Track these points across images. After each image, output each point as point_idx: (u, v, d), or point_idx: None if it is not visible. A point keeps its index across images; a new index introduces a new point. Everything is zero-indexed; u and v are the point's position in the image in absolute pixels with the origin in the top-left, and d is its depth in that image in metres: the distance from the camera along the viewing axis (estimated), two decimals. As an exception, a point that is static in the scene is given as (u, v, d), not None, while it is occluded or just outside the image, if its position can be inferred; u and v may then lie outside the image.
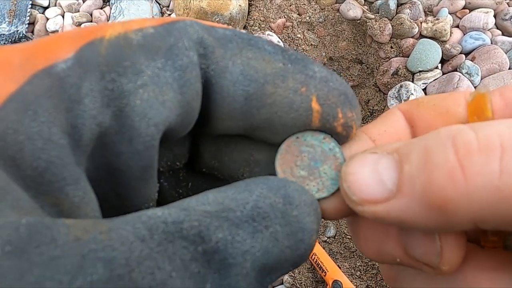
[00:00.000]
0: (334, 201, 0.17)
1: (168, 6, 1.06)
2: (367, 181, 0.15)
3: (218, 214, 0.13)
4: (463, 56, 0.86)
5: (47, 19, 1.07)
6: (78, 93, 0.14)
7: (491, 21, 0.88)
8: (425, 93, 0.88)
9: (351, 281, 0.72)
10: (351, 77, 1.03)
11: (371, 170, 0.15)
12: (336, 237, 0.79)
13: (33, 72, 0.13)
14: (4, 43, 0.99)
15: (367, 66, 1.00)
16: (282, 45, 0.94)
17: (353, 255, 0.77)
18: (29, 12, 1.04)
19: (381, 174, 0.15)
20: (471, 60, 0.85)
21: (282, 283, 0.75)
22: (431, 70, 0.88)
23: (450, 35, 0.90)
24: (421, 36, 0.91)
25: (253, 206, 0.14)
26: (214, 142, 0.19)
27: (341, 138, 0.17)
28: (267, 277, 0.14)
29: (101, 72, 0.14)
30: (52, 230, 0.11)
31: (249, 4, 0.97)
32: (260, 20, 0.97)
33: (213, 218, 0.13)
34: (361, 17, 0.95)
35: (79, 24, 1.06)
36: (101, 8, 1.09)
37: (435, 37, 0.89)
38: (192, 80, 0.15)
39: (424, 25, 0.90)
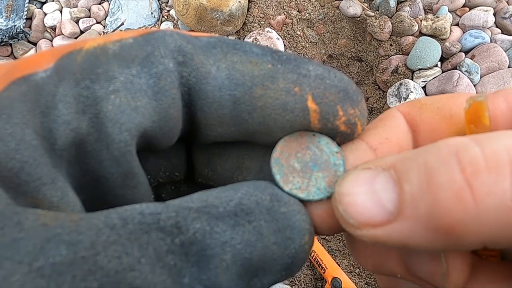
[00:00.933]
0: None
1: (167, 2, 1.06)
2: (364, 203, 0.14)
3: (199, 209, 0.13)
4: (463, 54, 0.87)
5: (45, 14, 1.07)
6: (53, 100, 0.14)
7: (491, 19, 0.88)
8: (425, 91, 0.88)
9: (350, 279, 0.72)
10: (351, 75, 1.03)
11: (367, 190, 0.14)
12: (335, 235, 0.79)
13: (12, 80, 0.14)
14: (1, 38, 0.98)
15: (367, 63, 1.00)
16: (282, 42, 0.94)
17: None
18: (26, 7, 1.03)
19: (379, 195, 0.14)
20: (471, 59, 0.85)
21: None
22: (430, 68, 0.88)
23: (450, 33, 0.90)
24: (421, 34, 0.91)
25: (237, 203, 0.14)
26: (205, 151, 0.19)
27: (346, 136, 0.16)
28: (255, 278, 0.14)
29: (75, 79, 0.14)
30: (20, 215, 0.11)
31: (248, 0, 0.97)
32: (260, 17, 0.96)
33: (191, 210, 0.13)
34: (361, 14, 0.94)
35: (77, 20, 1.05)
36: (100, 4, 1.08)
37: (435, 35, 0.89)
38: (167, 87, 0.15)
39: (424, 23, 0.90)
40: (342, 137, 0.16)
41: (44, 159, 0.13)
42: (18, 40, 1.02)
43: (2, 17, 1.01)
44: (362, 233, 0.14)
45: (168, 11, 1.05)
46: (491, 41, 0.87)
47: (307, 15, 0.97)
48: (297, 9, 0.98)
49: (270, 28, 0.96)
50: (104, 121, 0.14)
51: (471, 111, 0.15)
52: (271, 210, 0.14)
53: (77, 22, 1.06)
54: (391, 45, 0.93)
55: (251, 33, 0.96)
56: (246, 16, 0.97)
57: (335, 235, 0.79)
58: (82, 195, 0.15)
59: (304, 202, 0.16)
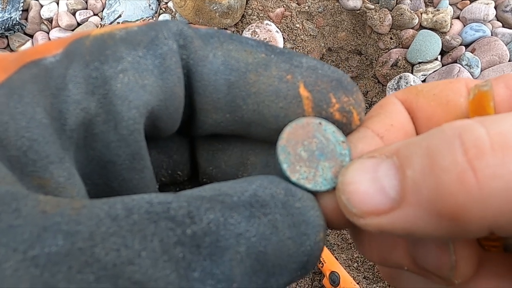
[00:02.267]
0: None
1: (165, -6, 1.05)
2: (367, 191, 0.13)
3: (212, 198, 0.13)
4: (463, 47, 0.86)
5: (42, 6, 1.05)
6: (63, 81, 0.14)
7: (492, 12, 0.87)
8: (424, 85, 0.87)
9: (348, 273, 0.72)
10: (350, 68, 1.02)
11: (370, 178, 0.13)
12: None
13: (22, 64, 0.14)
14: (-3, 30, 0.97)
15: (366, 57, 0.99)
16: (281, 35, 0.93)
17: (350, 246, 0.77)
18: (22, -2, 1.02)
19: (382, 182, 0.13)
20: (471, 52, 0.85)
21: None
22: (430, 61, 0.87)
23: (450, 27, 0.89)
24: (421, 27, 0.91)
25: (252, 194, 0.13)
26: (208, 147, 0.19)
27: (342, 126, 0.16)
28: (272, 278, 0.13)
29: (84, 61, 0.14)
30: (19, 202, 0.11)
31: (247, -8, 0.96)
32: (259, 10, 0.95)
33: (204, 200, 0.13)
34: (360, 7, 0.94)
35: (74, 12, 1.04)
36: (97, -4, 1.07)
37: (435, 28, 0.89)
38: (172, 66, 0.15)
39: (424, 16, 0.89)
40: (340, 127, 0.16)
41: (53, 138, 0.13)
42: (14, 32, 1.01)
43: (-2, 9, 1.00)
44: (365, 222, 0.13)
45: (166, 3, 1.04)
46: (491, 35, 0.86)
47: (307, 7, 0.96)
48: (296, 2, 0.97)
49: (269, 20, 0.95)
50: (113, 100, 0.14)
51: (475, 101, 0.15)
52: (286, 204, 0.14)
53: (74, 14, 1.05)
54: (391, 38, 0.92)
55: (250, 26, 0.95)
56: (245, 9, 0.96)
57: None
58: (87, 184, 0.15)
59: (311, 192, 0.15)
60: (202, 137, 0.19)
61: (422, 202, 0.12)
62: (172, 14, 1.02)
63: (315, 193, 0.15)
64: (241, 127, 0.16)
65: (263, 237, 0.13)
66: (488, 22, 0.88)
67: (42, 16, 1.04)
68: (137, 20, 1.03)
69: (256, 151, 0.18)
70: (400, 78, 0.87)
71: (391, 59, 0.91)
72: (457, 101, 0.16)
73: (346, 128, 0.16)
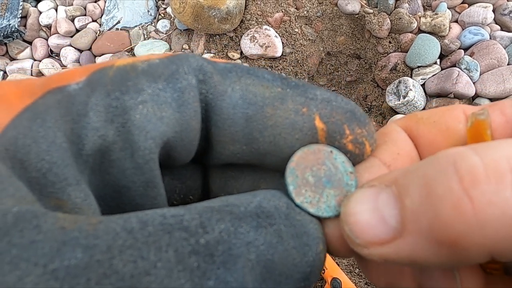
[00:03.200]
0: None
1: (164, 0, 1.05)
2: (368, 221, 0.14)
3: (220, 209, 0.13)
4: (462, 51, 0.86)
5: (40, 12, 1.05)
6: (85, 108, 0.15)
7: (490, 16, 0.87)
8: (424, 89, 0.87)
9: (350, 279, 0.72)
10: (349, 72, 1.02)
11: (371, 208, 0.14)
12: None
13: (48, 90, 0.15)
14: (-4, 37, 0.97)
15: (365, 61, 0.99)
16: (280, 39, 0.93)
17: (351, 252, 0.77)
18: (21, 5, 1.02)
19: (382, 212, 0.13)
20: (470, 56, 0.85)
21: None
22: (429, 65, 0.87)
23: (449, 30, 0.89)
24: (420, 31, 0.91)
25: (257, 205, 0.14)
26: (221, 175, 0.19)
27: (354, 156, 0.17)
28: (277, 283, 0.14)
29: (106, 90, 0.15)
30: (39, 219, 0.12)
31: (246, -2, 0.96)
32: (258, 15, 0.95)
33: (214, 212, 0.13)
34: (359, 11, 0.94)
35: (73, 18, 1.04)
36: (95, 2, 1.07)
37: (434, 32, 0.89)
38: (190, 100, 0.16)
39: (423, 19, 0.89)
40: (352, 158, 0.17)
41: (71, 162, 0.14)
42: (13, 39, 1.01)
43: (-4, 16, 0.99)
44: (370, 252, 0.14)
45: (165, 9, 1.04)
46: (490, 38, 0.87)
47: (305, 12, 0.96)
48: (295, 6, 0.97)
49: (268, 25, 0.95)
50: (131, 129, 0.15)
51: (473, 128, 0.15)
52: (288, 216, 0.14)
53: (72, 20, 1.05)
54: (390, 42, 0.92)
55: (248, 31, 0.95)
56: (244, 14, 0.96)
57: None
58: (101, 206, 0.16)
59: (313, 217, 0.16)
60: (216, 165, 0.19)
61: (421, 231, 0.12)
62: (171, 20, 1.02)
63: (317, 219, 0.16)
64: (256, 158, 0.17)
65: (270, 246, 0.13)
66: (487, 25, 0.88)
67: (41, 23, 1.04)
68: (135, 27, 1.03)
69: (267, 179, 0.19)
70: (400, 82, 0.87)
71: (390, 63, 0.91)
72: (456, 127, 0.17)
73: (358, 159, 0.17)
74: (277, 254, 0.13)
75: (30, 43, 1.05)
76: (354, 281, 0.73)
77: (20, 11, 1.01)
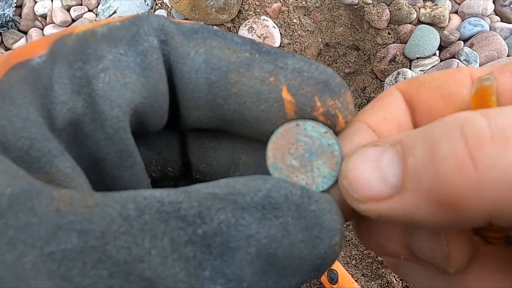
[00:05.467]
0: None
1: (161, -10, 1.03)
2: (368, 178, 0.14)
3: (224, 197, 0.13)
4: (462, 42, 0.85)
5: (35, 2, 1.04)
6: (50, 82, 0.14)
7: (490, 7, 0.86)
8: (423, 80, 0.87)
9: (347, 270, 0.72)
10: (348, 64, 1.02)
11: (373, 166, 0.14)
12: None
13: (10, 66, 0.14)
14: (-9, 27, 0.96)
15: (364, 52, 0.98)
16: (278, 30, 0.92)
17: (348, 243, 0.77)
18: (16, -6, 1.01)
19: (384, 170, 0.13)
20: (470, 47, 0.84)
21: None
22: (429, 57, 0.86)
23: (449, 21, 0.88)
24: (419, 22, 0.90)
25: (265, 195, 0.13)
26: (199, 146, 0.19)
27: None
28: (283, 279, 0.13)
29: (68, 61, 0.15)
30: (34, 201, 0.11)
31: (244, -13, 0.95)
32: (255, 5, 0.94)
33: (216, 200, 0.13)
34: (358, 2, 0.93)
35: (69, 8, 1.03)
36: (91, -9, 1.06)
37: (434, 23, 0.88)
38: (154, 63, 0.15)
39: (422, 10, 0.89)
40: None
41: (50, 135, 0.14)
42: (8, 29, 1.00)
43: (-9, 5, 0.98)
44: (366, 207, 0.14)
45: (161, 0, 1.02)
46: (490, 29, 0.86)
47: (304, 2, 0.95)
48: (294, -3, 0.96)
49: (266, 16, 0.94)
50: (96, 99, 0.14)
51: (477, 95, 0.15)
52: (300, 206, 0.13)
53: (68, 10, 1.04)
54: (389, 33, 0.92)
55: (246, 21, 0.94)
56: (242, 4, 0.95)
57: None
58: None
59: None
60: (193, 134, 0.19)
61: (421, 189, 0.12)
62: (168, 9, 1.01)
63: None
64: (224, 124, 0.16)
65: (273, 240, 0.13)
66: (487, 16, 0.88)
67: (36, 13, 1.03)
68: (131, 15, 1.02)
69: (248, 150, 0.18)
70: (398, 73, 0.87)
71: (389, 55, 0.90)
72: (459, 93, 0.16)
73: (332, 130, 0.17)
74: (281, 248, 0.13)
75: (25, 33, 1.04)
76: (350, 272, 0.73)
77: (15, 0, 1.00)
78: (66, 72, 0.14)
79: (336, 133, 0.16)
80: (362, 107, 0.96)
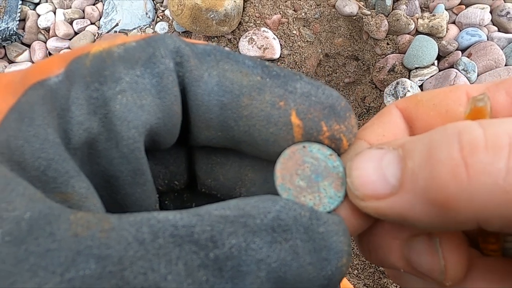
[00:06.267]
0: None
1: (162, 2, 1.05)
2: (370, 177, 0.15)
3: (235, 219, 0.13)
4: (460, 52, 0.86)
5: (39, 15, 1.06)
6: (67, 102, 0.15)
7: (487, 17, 0.87)
8: (422, 90, 0.88)
9: (349, 280, 0.72)
10: (347, 74, 1.02)
11: (375, 166, 0.15)
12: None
13: (29, 86, 0.15)
14: (-5, 40, 0.97)
15: (363, 62, 0.99)
16: (278, 41, 0.93)
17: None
18: (19, 8, 1.02)
19: (385, 170, 0.14)
20: (468, 57, 0.85)
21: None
22: (427, 66, 0.87)
23: (447, 32, 0.89)
24: (418, 32, 0.91)
25: (275, 217, 0.13)
26: (206, 161, 0.19)
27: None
28: None
29: (85, 82, 0.15)
30: (52, 226, 0.12)
31: (244, 0, 0.96)
32: (256, 17, 0.96)
33: (227, 224, 0.13)
34: (357, 13, 0.94)
35: (71, 21, 1.04)
36: (94, 4, 1.07)
37: (432, 34, 0.89)
38: (170, 85, 0.16)
39: (420, 21, 0.90)
40: None
41: (67, 155, 0.14)
42: (12, 42, 1.01)
43: (-5, 19, 1.00)
44: (366, 204, 0.15)
45: (163, 11, 1.04)
46: (487, 39, 0.87)
47: (303, 14, 0.96)
48: (293, 8, 0.97)
49: (266, 27, 0.95)
50: (113, 120, 0.15)
51: (471, 116, 0.15)
52: (308, 229, 0.14)
53: (71, 23, 1.05)
54: (387, 43, 0.93)
55: (246, 33, 0.95)
56: (242, 16, 0.96)
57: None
58: None
59: None
60: (200, 150, 0.19)
61: (417, 190, 0.13)
62: (169, 22, 1.02)
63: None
64: (233, 144, 0.17)
65: (283, 263, 0.13)
66: (484, 26, 0.89)
67: (39, 26, 1.05)
68: (134, 29, 1.04)
69: (255, 167, 0.19)
70: (397, 83, 0.87)
71: (388, 65, 0.91)
72: (456, 111, 0.17)
73: (336, 152, 0.17)
74: (291, 271, 0.13)
75: (28, 46, 1.05)
76: (352, 282, 0.73)
77: (19, 14, 1.01)
78: (83, 93, 0.15)
79: (339, 155, 0.17)
80: (362, 117, 0.97)
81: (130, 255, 0.12)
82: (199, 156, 0.19)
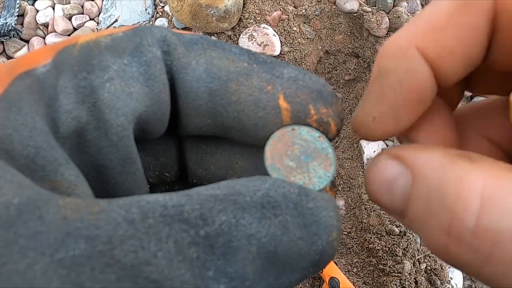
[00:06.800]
0: None
1: (162, -2, 1.04)
2: (380, 197, 0.15)
3: (225, 198, 0.13)
4: (461, 50, 0.86)
5: (37, 11, 1.05)
6: (55, 92, 0.15)
7: (489, 14, 0.87)
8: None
9: (348, 278, 0.72)
10: (347, 71, 1.02)
11: (387, 186, 0.15)
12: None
13: (16, 75, 0.15)
14: (-7, 36, 0.97)
15: (364, 60, 0.99)
16: (278, 38, 0.93)
17: (349, 251, 0.77)
18: (18, 3, 1.01)
19: (394, 193, 0.15)
20: (469, 54, 0.85)
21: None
22: (428, 64, 0.87)
23: (448, 29, 0.89)
24: (419, 29, 0.90)
25: (264, 194, 0.14)
26: (196, 151, 0.19)
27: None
28: (283, 275, 0.14)
29: (73, 71, 0.15)
30: (41, 209, 0.12)
31: (244, -4, 0.95)
32: (256, 13, 0.95)
33: (217, 202, 0.13)
34: (358, 10, 0.93)
35: (70, 17, 1.04)
36: (93, 0, 1.07)
37: (433, 31, 0.89)
38: (157, 73, 0.16)
39: (421, 18, 0.89)
40: None
41: (55, 143, 0.14)
42: (10, 37, 1.01)
43: (-7, 14, 0.99)
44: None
45: (163, 7, 1.03)
46: (489, 37, 0.86)
47: (304, 10, 0.96)
48: (293, 5, 0.96)
49: (266, 24, 0.95)
50: (101, 108, 0.15)
51: None
52: (298, 204, 0.14)
53: (70, 19, 1.04)
54: (388, 41, 0.92)
55: (247, 30, 0.95)
56: (242, 12, 0.95)
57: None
58: None
59: None
60: (190, 140, 0.19)
61: (426, 208, 0.14)
62: (169, 18, 1.02)
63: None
64: (222, 131, 0.17)
65: (273, 238, 0.13)
66: (485, 24, 0.88)
67: (38, 21, 1.04)
68: (133, 25, 1.03)
69: (245, 155, 0.19)
70: (398, 81, 0.87)
71: (388, 62, 0.91)
72: None
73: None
74: (281, 246, 0.13)
75: (27, 41, 1.05)
76: (352, 280, 0.73)
77: (17, 9, 1.01)
78: (70, 82, 0.15)
79: (330, 140, 0.17)
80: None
81: (119, 234, 0.12)
82: (189, 146, 0.19)
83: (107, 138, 0.15)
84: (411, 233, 0.75)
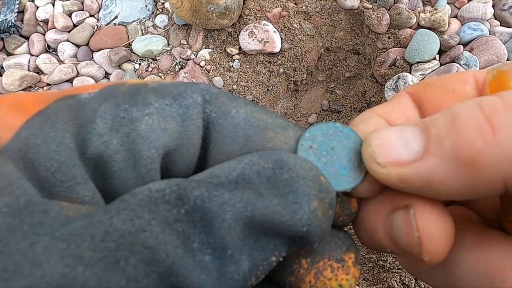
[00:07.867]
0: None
1: (162, -5, 1.04)
2: (393, 144, 0.15)
3: (202, 180, 0.14)
4: (461, 47, 0.86)
5: (37, 7, 1.05)
6: (93, 115, 0.16)
7: (490, 11, 0.87)
8: (423, 85, 0.87)
9: (348, 274, 0.72)
10: (348, 68, 1.02)
11: (397, 136, 0.15)
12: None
13: (61, 97, 0.16)
14: (-7, 32, 0.97)
15: (364, 56, 0.99)
16: (278, 35, 0.92)
17: (349, 248, 0.77)
18: (18, 0, 1.01)
19: (408, 139, 0.15)
20: (469, 51, 0.85)
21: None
22: (429, 61, 0.87)
23: (448, 26, 0.89)
24: (419, 26, 0.90)
25: (239, 173, 0.14)
26: None
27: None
28: (264, 238, 0.14)
29: (116, 102, 0.16)
30: (47, 205, 0.13)
31: (244, -7, 0.95)
32: (256, 10, 0.95)
33: (192, 182, 0.14)
34: (358, 6, 0.93)
35: (70, 13, 1.03)
36: (93, -3, 1.06)
37: (433, 28, 0.88)
38: (194, 116, 0.16)
39: (422, 15, 0.89)
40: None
41: (78, 162, 0.15)
42: (10, 34, 1.00)
43: (-7, 11, 0.99)
44: (387, 171, 0.15)
45: (163, 3, 1.03)
46: (490, 34, 0.86)
47: (304, 7, 0.95)
48: (294, 2, 0.96)
49: (267, 21, 0.95)
50: (135, 138, 0.15)
51: (495, 81, 0.16)
52: (271, 178, 0.15)
53: (69, 15, 1.04)
54: (389, 37, 0.92)
55: (247, 26, 0.94)
56: (242, 9, 0.95)
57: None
58: None
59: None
60: None
61: (444, 151, 0.14)
62: (169, 15, 1.02)
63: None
64: None
65: (248, 203, 0.14)
66: (486, 21, 0.88)
67: (38, 18, 1.04)
68: (133, 22, 1.03)
69: None
70: (399, 78, 0.87)
71: (389, 59, 0.90)
72: (463, 89, 0.18)
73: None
74: (257, 210, 0.14)
75: (27, 38, 1.04)
76: (352, 276, 0.73)
77: (17, 6, 1.01)
78: (111, 110, 0.16)
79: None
80: (362, 111, 0.96)
81: (114, 208, 0.13)
82: None
83: (135, 170, 0.15)
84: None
